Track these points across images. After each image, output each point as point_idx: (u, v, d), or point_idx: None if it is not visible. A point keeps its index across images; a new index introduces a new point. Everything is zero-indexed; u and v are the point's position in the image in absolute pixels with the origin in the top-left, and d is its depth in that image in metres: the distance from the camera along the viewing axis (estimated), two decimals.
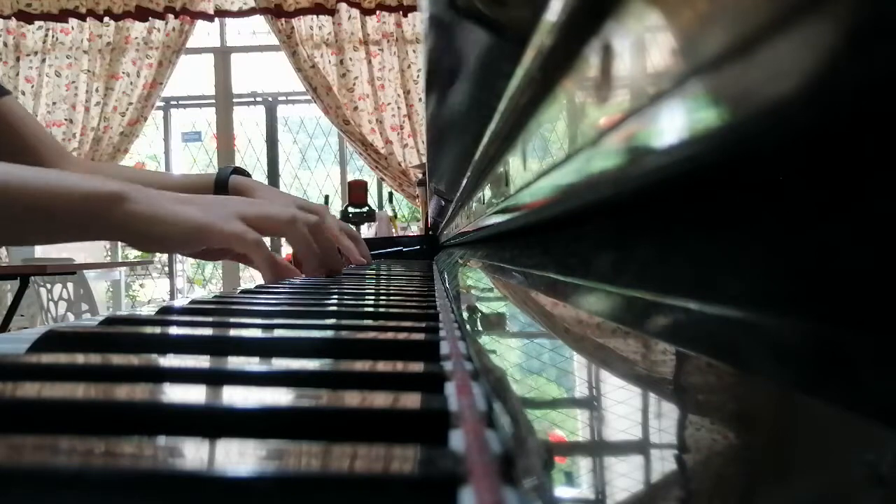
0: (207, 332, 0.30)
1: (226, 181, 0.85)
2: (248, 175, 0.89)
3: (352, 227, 0.97)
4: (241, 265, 3.56)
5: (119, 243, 3.78)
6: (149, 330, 0.29)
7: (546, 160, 0.24)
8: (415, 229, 3.16)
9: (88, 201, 0.56)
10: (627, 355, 0.16)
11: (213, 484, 0.12)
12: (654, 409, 0.13)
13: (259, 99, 3.78)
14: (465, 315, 0.37)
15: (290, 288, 0.56)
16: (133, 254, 4.04)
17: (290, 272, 0.69)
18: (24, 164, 0.81)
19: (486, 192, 0.51)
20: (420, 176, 2.74)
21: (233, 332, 0.30)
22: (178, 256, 3.87)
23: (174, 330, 0.29)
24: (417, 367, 0.22)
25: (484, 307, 0.41)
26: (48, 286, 2.84)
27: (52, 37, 3.40)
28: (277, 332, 0.30)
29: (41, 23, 3.39)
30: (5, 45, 3.38)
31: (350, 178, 3.39)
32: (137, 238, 0.59)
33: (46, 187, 0.55)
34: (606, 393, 0.16)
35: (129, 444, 0.14)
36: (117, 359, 0.23)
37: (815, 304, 0.10)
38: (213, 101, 3.69)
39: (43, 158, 0.83)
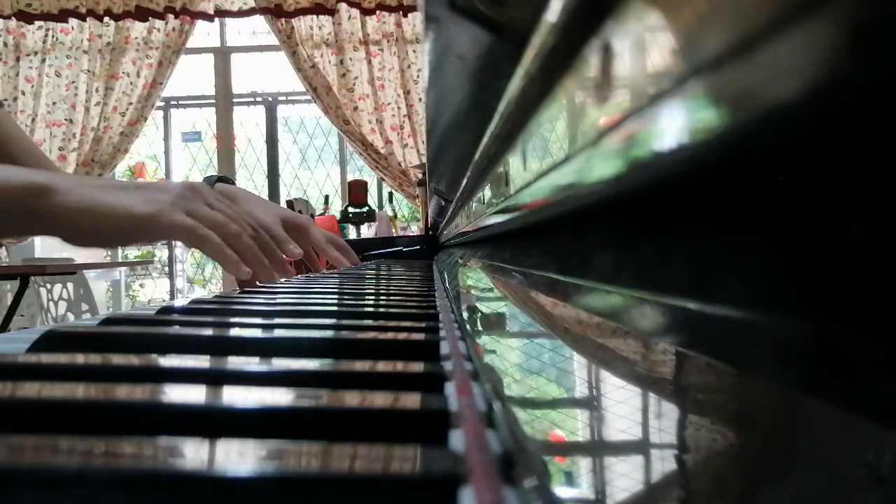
0: (207, 332, 0.30)
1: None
2: (233, 182, 0.88)
3: (337, 236, 0.96)
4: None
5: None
6: (148, 330, 0.29)
7: (546, 160, 0.24)
8: (415, 229, 3.16)
9: (12, 193, 0.52)
10: (627, 355, 0.16)
11: (214, 484, 0.12)
12: (653, 409, 0.13)
13: (259, 99, 3.78)
14: (465, 315, 0.37)
15: (290, 288, 0.56)
16: (133, 253, 4.04)
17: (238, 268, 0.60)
18: None
19: (486, 192, 0.51)
20: (420, 176, 2.74)
21: (233, 332, 0.30)
22: (179, 256, 3.87)
23: (174, 330, 0.29)
24: (417, 367, 0.22)
25: (484, 307, 0.41)
26: (48, 286, 2.84)
27: (52, 37, 3.40)
28: (278, 332, 0.30)
29: (41, 23, 3.39)
30: (5, 45, 3.38)
31: (350, 178, 3.39)
32: (69, 232, 0.55)
33: None
34: (606, 393, 0.16)
35: (129, 444, 0.14)
36: (117, 359, 0.23)
37: (815, 304, 0.10)
38: (213, 101, 3.69)
39: None
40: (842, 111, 0.08)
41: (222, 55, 3.69)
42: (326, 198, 3.21)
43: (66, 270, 2.54)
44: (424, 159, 2.65)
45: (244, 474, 0.12)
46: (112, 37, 3.40)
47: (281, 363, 0.23)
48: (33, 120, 3.34)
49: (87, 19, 3.39)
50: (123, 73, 3.40)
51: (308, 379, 0.20)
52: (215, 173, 0.86)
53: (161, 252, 3.91)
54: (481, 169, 0.50)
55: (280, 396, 0.18)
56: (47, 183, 0.53)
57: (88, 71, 3.40)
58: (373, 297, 0.53)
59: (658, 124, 0.13)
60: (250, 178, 3.72)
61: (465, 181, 0.65)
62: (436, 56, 0.44)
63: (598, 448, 0.14)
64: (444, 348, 0.26)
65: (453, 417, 0.16)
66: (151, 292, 4.06)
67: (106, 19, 3.39)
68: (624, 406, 0.14)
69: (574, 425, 0.16)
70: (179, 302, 0.43)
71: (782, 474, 0.08)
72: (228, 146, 3.68)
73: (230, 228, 0.60)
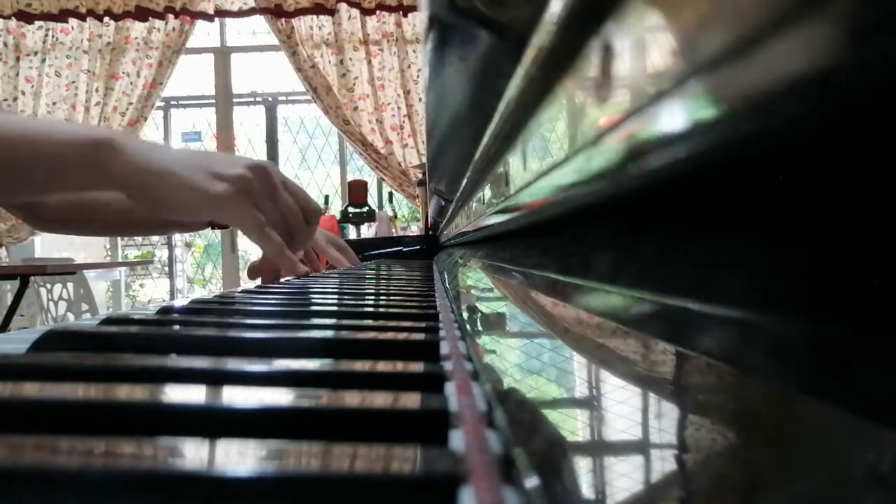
0: (208, 331, 0.30)
1: None
2: None
3: (337, 237, 0.95)
4: (240, 265, 3.56)
5: (119, 243, 3.78)
6: (149, 330, 0.29)
7: (546, 160, 0.24)
8: (415, 229, 3.16)
9: (80, 147, 0.53)
10: (627, 355, 0.16)
11: (214, 484, 0.12)
12: (654, 409, 0.13)
13: (259, 99, 3.78)
14: (465, 315, 0.37)
15: (290, 288, 0.56)
16: (133, 253, 4.04)
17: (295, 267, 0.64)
18: None
19: (486, 192, 0.51)
20: (420, 176, 2.74)
21: (233, 332, 0.30)
22: (179, 256, 3.87)
23: (174, 330, 0.29)
24: (417, 367, 0.22)
25: (484, 307, 0.41)
26: (48, 286, 2.84)
27: (52, 37, 3.40)
28: (278, 332, 0.30)
29: (41, 23, 3.39)
30: (5, 45, 3.38)
31: (350, 178, 3.39)
32: (137, 191, 0.55)
33: (45, 133, 0.53)
34: (606, 393, 0.16)
35: (129, 444, 0.14)
36: (117, 359, 0.23)
37: (815, 304, 0.10)
38: (213, 101, 3.69)
39: None
40: (842, 111, 0.08)
41: (222, 55, 3.69)
42: (326, 198, 3.21)
43: (66, 270, 2.54)
44: (424, 159, 2.65)
45: (244, 474, 0.12)
46: (112, 37, 3.39)
47: (281, 363, 0.23)
48: None
49: (87, 19, 3.39)
50: (123, 73, 3.40)
51: (308, 379, 0.20)
52: None
53: (161, 252, 3.91)
54: (481, 169, 0.50)
55: (280, 396, 0.18)
56: (112, 138, 0.55)
57: (88, 71, 3.40)
58: (373, 298, 0.53)
59: (658, 124, 0.13)
60: None
61: (465, 181, 0.65)
62: (436, 56, 0.44)
63: (598, 448, 0.14)
64: (444, 348, 0.26)
65: (453, 417, 0.16)
66: (151, 292, 4.06)
67: (106, 19, 3.38)
68: (624, 406, 0.14)
69: (574, 425, 0.16)
70: (179, 302, 0.43)
71: (782, 474, 0.08)
72: (228, 146, 3.68)
73: (289, 225, 0.63)
